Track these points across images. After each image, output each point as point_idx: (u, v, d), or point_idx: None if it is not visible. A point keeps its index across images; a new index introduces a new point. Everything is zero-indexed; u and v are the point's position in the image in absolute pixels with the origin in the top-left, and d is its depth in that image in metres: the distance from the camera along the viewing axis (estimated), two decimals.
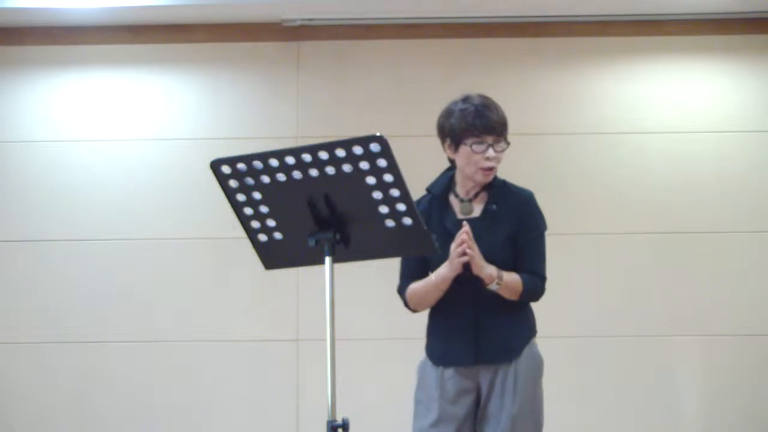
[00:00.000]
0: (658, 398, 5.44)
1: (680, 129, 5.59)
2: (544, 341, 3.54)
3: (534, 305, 3.55)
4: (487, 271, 3.35)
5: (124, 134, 5.62)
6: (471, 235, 3.32)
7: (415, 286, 3.50)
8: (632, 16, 5.59)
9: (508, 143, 3.45)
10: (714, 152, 5.58)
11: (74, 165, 5.59)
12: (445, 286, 3.40)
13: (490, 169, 3.42)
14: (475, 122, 3.38)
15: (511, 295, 3.41)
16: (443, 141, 3.50)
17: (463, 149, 3.42)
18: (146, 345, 5.49)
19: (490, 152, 3.40)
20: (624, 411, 5.45)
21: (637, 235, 5.53)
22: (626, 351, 5.47)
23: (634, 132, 5.59)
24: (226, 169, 2.99)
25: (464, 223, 3.37)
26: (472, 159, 3.41)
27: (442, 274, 3.39)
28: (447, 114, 3.47)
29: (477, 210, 3.48)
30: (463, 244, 3.30)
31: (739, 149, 5.58)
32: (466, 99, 3.45)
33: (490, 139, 3.40)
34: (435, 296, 3.45)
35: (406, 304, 3.56)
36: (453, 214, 3.50)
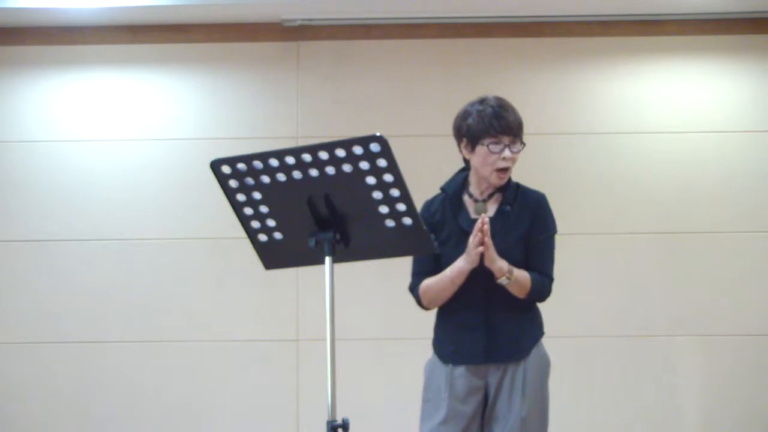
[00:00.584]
0: (658, 398, 5.44)
1: (680, 129, 5.59)
2: (544, 341, 3.55)
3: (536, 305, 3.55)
4: (498, 264, 3.37)
5: (124, 134, 5.61)
6: (489, 225, 3.34)
7: (428, 282, 3.50)
8: (632, 16, 5.59)
9: (523, 144, 3.48)
10: (714, 152, 5.57)
11: (74, 165, 5.59)
12: (461, 280, 3.41)
13: (506, 170, 3.46)
14: (492, 123, 3.41)
15: (519, 292, 3.42)
16: (459, 141, 3.52)
17: (480, 149, 3.44)
18: (146, 345, 5.49)
19: (507, 153, 3.43)
20: (624, 411, 5.44)
21: (638, 235, 5.53)
22: (626, 351, 5.47)
23: (634, 132, 5.59)
24: (226, 169, 3.00)
25: (483, 214, 3.38)
26: (488, 159, 3.43)
27: (459, 267, 3.40)
28: (464, 115, 3.49)
29: (491, 210, 3.50)
30: (481, 233, 3.32)
31: (739, 149, 5.57)
32: (482, 101, 3.48)
33: (506, 140, 3.43)
34: (450, 291, 3.45)
35: (419, 302, 3.56)
36: (467, 213, 3.52)
